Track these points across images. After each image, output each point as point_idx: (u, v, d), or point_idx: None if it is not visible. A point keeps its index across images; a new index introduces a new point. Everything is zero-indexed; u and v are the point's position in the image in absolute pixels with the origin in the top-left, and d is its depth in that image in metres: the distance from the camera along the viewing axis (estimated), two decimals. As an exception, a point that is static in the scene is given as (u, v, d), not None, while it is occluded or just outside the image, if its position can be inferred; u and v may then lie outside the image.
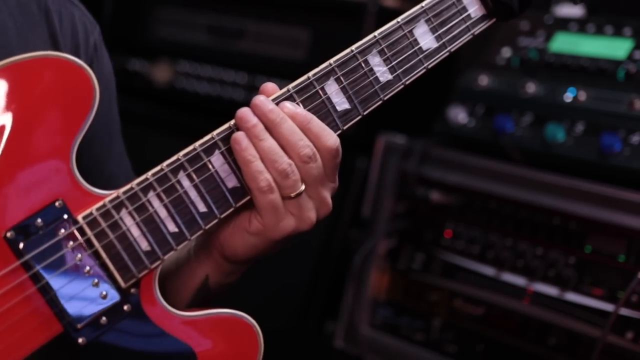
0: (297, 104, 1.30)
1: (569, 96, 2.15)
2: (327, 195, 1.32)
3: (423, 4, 1.37)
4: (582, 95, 2.13)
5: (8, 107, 1.22)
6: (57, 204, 1.22)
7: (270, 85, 1.32)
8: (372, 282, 2.36)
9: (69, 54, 1.27)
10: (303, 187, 1.29)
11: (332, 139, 1.30)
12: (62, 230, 1.22)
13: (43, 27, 1.42)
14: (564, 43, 2.21)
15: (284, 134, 1.27)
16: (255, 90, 2.80)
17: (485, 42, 2.33)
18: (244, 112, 1.28)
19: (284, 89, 1.31)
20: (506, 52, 2.29)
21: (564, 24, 2.25)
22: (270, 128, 1.27)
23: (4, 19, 1.38)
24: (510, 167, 2.17)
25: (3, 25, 1.38)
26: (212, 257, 1.36)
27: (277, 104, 1.29)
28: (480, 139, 2.25)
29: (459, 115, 2.28)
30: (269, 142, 1.27)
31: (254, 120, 1.27)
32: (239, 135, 1.27)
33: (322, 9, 2.73)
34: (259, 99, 1.28)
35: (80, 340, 1.23)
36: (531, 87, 2.21)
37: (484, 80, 2.29)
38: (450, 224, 2.25)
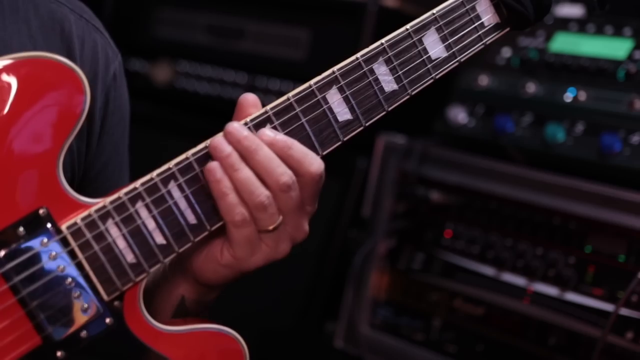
0: (298, 113, 1.23)
1: (569, 96, 2.15)
2: (305, 222, 1.25)
3: (434, 10, 1.30)
4: (582, 95, 2.12)
5: None
6: (40, 212, 1.17)
7: (249, 97, 1.24)
8: (372, 282, 2.35)
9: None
10: (280, 219, 1.22)
11: (315, 163, 1.22)
12: (45, 240, 1.17)
13: (62, 52, 1.37)
14: (564, 43, 2.21)
15: (260, 162, 1.19)
16: (255, 90, 2.80)
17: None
18: (218, 141, 1.20)
19: (284, 97, 1.23)
20: (506, 52, 2.29)
21: (564, 24, 2.25)
22: (246, 156, 1.19)
23: (23, 41, 1.36)
24: (510, 167, 2.17)
25: (21, 47, 1.34)
26: (187, 280, 1.31)
27: (275, 114, 1.22)
28: (480, 139, 2.25)
29: (459, 115, 2.28)
30: (244, 173, 1.19)
31: (227, 149, 1.19)
32: (213, 166, 1.19)
33: (322, 9, 2.73)
34: (232, 126, 1.20)
35: (58, 353, 1.18)
36: (531, 87, 2.21)
37: (484, 80, 2.29)
38: (450, 224, 2.25)
